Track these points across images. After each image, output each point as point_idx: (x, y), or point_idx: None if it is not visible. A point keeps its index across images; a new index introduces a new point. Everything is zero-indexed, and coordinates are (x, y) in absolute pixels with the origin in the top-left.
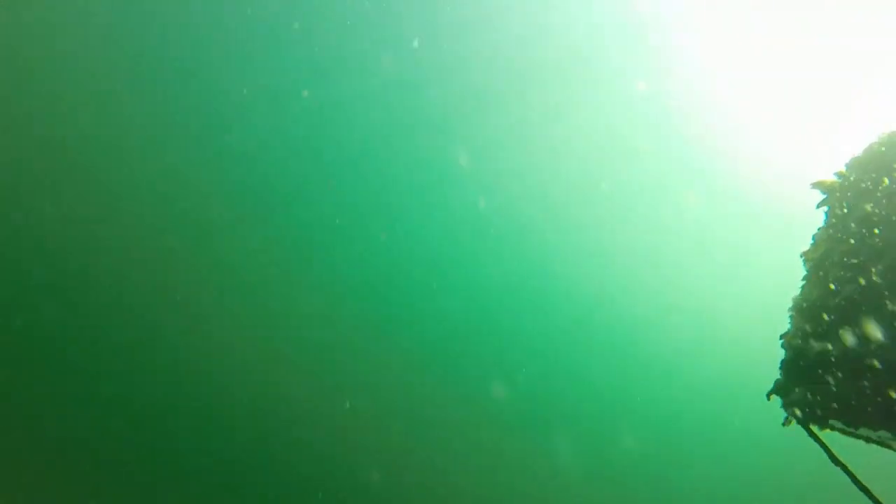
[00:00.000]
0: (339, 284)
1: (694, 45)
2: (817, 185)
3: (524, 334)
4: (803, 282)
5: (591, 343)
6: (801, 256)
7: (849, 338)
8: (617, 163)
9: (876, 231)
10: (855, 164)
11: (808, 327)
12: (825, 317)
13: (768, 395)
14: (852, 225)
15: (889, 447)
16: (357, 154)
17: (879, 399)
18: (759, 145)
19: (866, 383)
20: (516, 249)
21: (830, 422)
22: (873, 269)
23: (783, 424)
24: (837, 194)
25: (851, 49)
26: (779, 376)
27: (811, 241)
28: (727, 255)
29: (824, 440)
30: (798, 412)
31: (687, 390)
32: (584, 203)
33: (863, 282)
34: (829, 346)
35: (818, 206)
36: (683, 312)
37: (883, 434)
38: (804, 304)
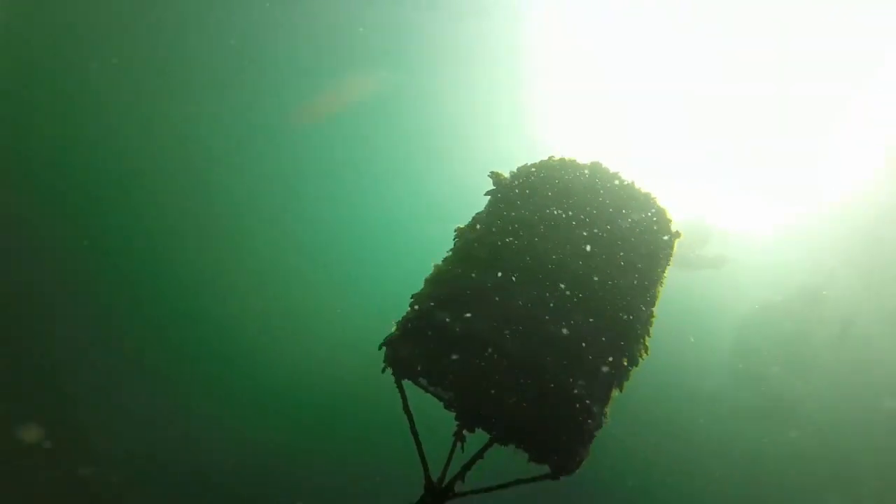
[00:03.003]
0: None
1: None
2: (493, 175)
3: None
4: (449, 254)
5: None
6: (455, 231)
7: (467, 319)
8: None
9: (520, 233)
10: (522, 171)
11: (441, 296)
12: (456, 292)
13: (380, 346)
14: (508, 226)
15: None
16: None
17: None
18: None
19: (456, 356)
20: None
21: (420, 378)
22: (508, 267)
23: (382, 371)
24: (502, 192)
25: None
26: (394, 330)
27: (470, 220)
28: None
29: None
30: (401, 364)
31: None
32: None
33: (499, 275)
34: (447, 319)
35: (486, 194)
36: None
37: (440, 391)
38: (442, 276)
